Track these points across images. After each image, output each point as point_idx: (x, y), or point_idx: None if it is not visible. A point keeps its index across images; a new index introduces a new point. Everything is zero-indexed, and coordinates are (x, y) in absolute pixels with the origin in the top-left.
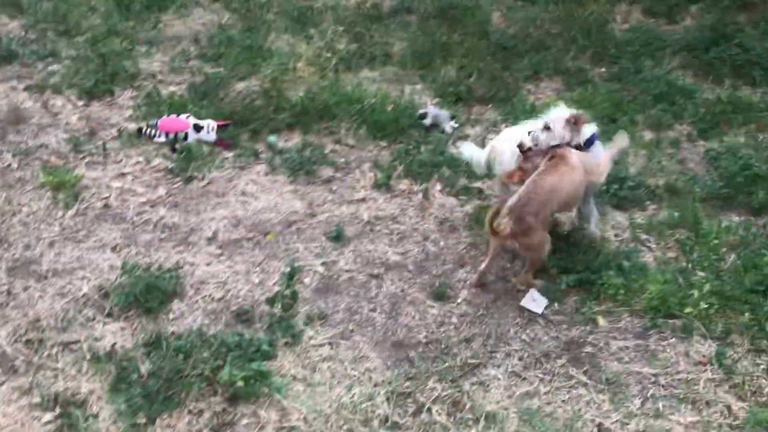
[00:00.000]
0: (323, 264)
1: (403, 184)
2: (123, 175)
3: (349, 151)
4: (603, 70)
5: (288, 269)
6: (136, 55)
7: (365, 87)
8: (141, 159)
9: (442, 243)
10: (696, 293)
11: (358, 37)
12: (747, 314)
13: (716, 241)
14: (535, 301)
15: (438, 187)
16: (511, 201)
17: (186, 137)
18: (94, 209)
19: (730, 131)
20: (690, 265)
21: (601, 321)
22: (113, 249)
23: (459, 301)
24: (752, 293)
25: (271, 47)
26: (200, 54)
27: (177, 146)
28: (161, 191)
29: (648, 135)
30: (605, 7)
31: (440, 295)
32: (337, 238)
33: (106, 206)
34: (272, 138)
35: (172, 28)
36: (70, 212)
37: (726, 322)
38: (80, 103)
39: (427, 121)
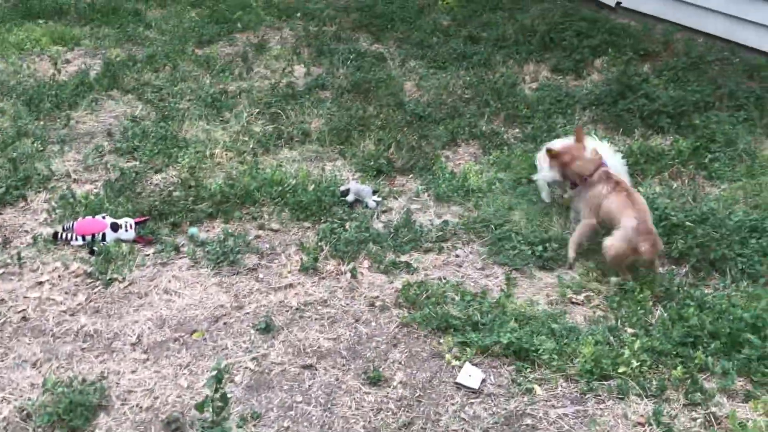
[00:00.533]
0: (253, 359)
1: (331, 265)
2: (40, 284)
3: (273, 236)
4: (517, 130)
5: (215, 372)
6: (48, 155)
7: (285, 168)
8: (58, 265)
9: (373, 323)
10: (627, 352)
11: (275, 117)
12: (679, 368)
13: (642, 295)
14: (471, 376)
15: (366, 264)
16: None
17: (104, 237)
18: (12, 324)
19: (645, 181)
20: (619, 323)
21: (538, 390)
22: (33, 365)
23: (395, 384)
24: (682, 346)
25: (187, 136)
26: (114, 149)
27: (95, 248)
28: (81, 297)
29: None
30: (514, 68)
31: (375, 380)
32: (266, 329)
33: (24, 319)
34: (193, 230)
35: (84, 124)
36: None
37: (660, 378)
38: None
39: (350, 198)
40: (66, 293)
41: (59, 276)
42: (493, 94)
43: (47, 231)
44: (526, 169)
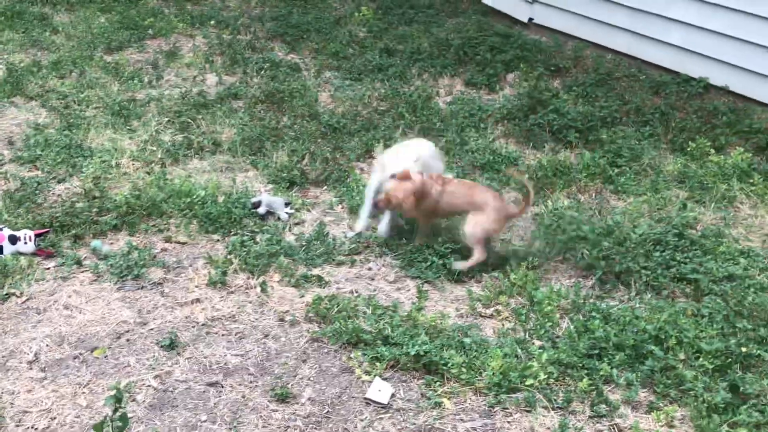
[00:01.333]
0: (156, 377)
1: (240, 279)
2: None
3: (180, 249)
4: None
5: (114, 391)
6: None
7: (195, 179)
8: None
9: (283, 339)
10: (535, 364)
11: (185, 127)
12: (585, 380)
13: (549, 308)
14: (380, 391)
15: (276, 278)
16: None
17: (1, 250)
18: None
19: (553, 194)
20: (527, 335)
21: (448, 403)
22: None
23: (303, 400)
24: (588, 358)
25: (92, 145)
26: (15, 157)
27: None
28: None
29: None
30: (429, 81)
31: (284, 397)
32: (171, 345)
33: None
34: (96, 243)
35: None
36: None
37: (566, 390)
38: None
39: (262, 210)
40: None
41: None
42: (408, 106)
43: None
44: None
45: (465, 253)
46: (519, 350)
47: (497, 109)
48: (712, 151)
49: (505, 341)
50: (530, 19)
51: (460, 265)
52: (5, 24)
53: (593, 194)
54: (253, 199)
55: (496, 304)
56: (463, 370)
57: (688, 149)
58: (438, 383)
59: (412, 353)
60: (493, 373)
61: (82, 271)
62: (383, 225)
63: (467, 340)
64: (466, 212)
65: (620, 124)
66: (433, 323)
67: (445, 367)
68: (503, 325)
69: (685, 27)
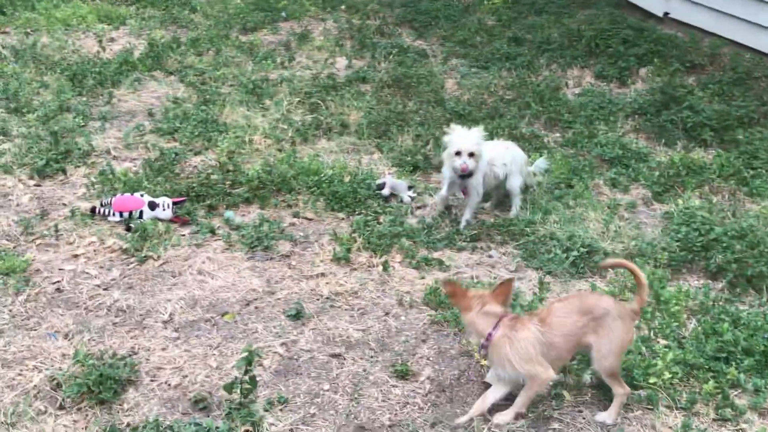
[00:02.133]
0: (283, 344)
1: (363, 257)
2: (76, 257)
3: (307, 225)
4: (558, 135)
5: (246, 354)
6: (89, 131)
7: (322, 158)
8: (94, 239)
9: (403, 318)
10: (660, 363)
11: (314, 107)
12: (711, 382)
13: (677, 308)
14: None
15: (398, 258)
16: None
17: (141, 215)
18: (46, 294)
19: (685, 194)
20: (652, 333)
21: (567, 395)
22: (65, 336)
23: (422, 379)
24: (715, 360)
25: (227, 120)
26: (155, 128)
27: (132, 225)
28: (115, 273)
29: (604, 199)
30: (557, 72)
31: (404, 374)
32: (297, 316)
33: (59, 290)
34: (229, 213)
35: (126, 102)
36: (21, 298)
37: (690, 391)
38: (31, 182)
39: (386, 192)
40: (101, 268)
41: (95, 250)
42: (535, 96)
43: (85, 205)
44: (565, 174)
45: (589, 252)
46: (643, 348)
47: (628, 103)
48: None
49: None
50: (665, 14)
51: (600, 417)
52: (147, 1)
53: (726, 196)
54: (378, 181)
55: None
56: (584, 364)
57: None
58: (559, 375)
59: None
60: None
61: (215, 240)
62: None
63: None
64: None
65: (758, 125)
66: None
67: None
68: None
69: None
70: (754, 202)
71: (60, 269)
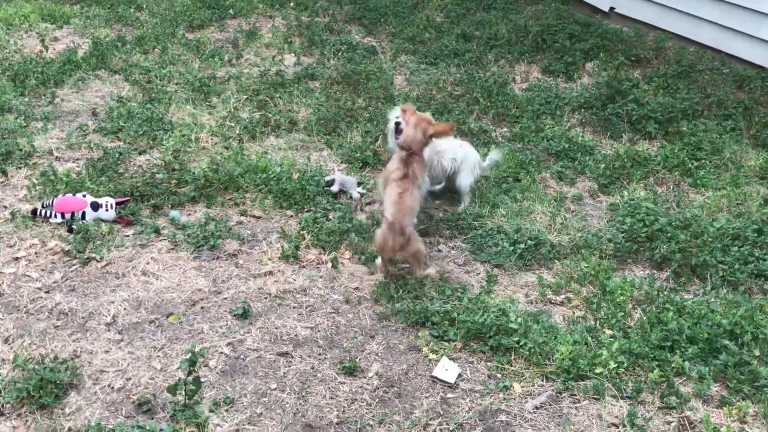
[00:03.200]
0: (229, 344)
1: (312, 254)
2: (17, 259)
3: (255, 223)
4: (505, 129)
5: (189, 354)
6: (31, 132)
7: (271, 156)
8: (36, 242)
9: (351, 315)
10: (605, 352)
11: (262, 105)
12: (656, 371)
13: (622, 298)
14: (447, 370)
15: (347, 255)
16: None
17: (84, 216)
18: None
19: (630, 186)
20: (598, 323)
21: (516, 387)
22: (5, 341)
23: (371, 375)
24: (659, 349)
25: (173, 119)
26: (99, 128)
27: (74, 227)
28: (57, 275)
29: (551, 192)
30: (505, 68)
31: (352, 370)
32: (244, 315)
33: None
34: (174, 213)
35: (69, 102)
36: None
37: (636, 380)
38: None
39: (335, 188)
40: (42, 270)
41: (36, 253)
42: (484, 92)
43: (26, 207)
44: (512, 167)
45: (536, 244)
46: (589, 338)
47: (574, 97)
48: None
49: (575, 328)
50: (611, 9)
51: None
52: (92, 0)
53: (671, 186)
54: (327, 178)
55: (567, 292)
56: (533, 354)
57: None
58: (505, 366)
59: (481, 321)
60: (563, 359)
61: (160, 240)
62: None
63: (536, 326)
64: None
65: (701, 117)
66: (503, 307)
67: (514, 351)
68: (573, 312)
69: None
70: (698, 192)
71: (0, 273)
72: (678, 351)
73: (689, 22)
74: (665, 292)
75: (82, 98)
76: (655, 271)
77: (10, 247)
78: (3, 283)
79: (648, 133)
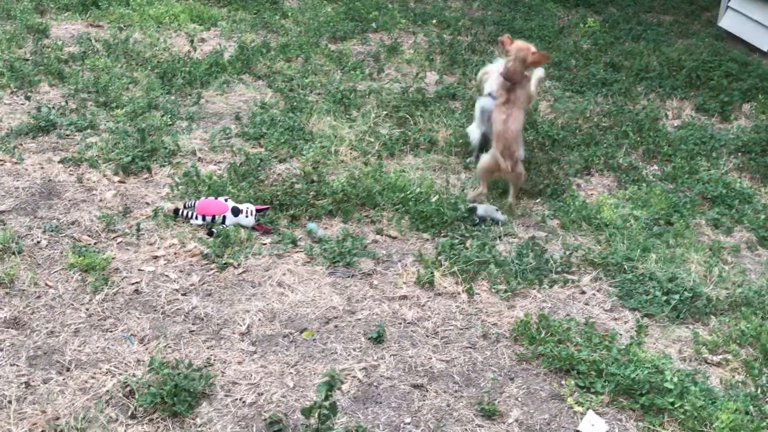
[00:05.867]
0: (363, 369)
1: (447, 282)
2: (156, 258)
3: (390, 243)
4: (656, 167)
5: (327, 378)
6: (176, 131)
7: (409, 175)
8: (176, 242)
9: (488, 352)
10: None
11: (402, 122)
12: None
13: None
14: (593, 426)
15: (485, 286)
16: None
17: (224, 220)
18: (124, 295)
19: None
20: (760, 391)
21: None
22: (141, 340)
23: (510, 421)
24: None
25: (313, 129)
26: (241, 132)
27: (214, 230)
28: (195, 278)
29: (705, 240)
30: (656, 102)
31: (490, 413)
32: (378, 339)
33: (137, 292)
34: (312, 225)
35: (213, 104)
36: (99, 297)
37: None
38: (116, 178)
39: (480, 212)
40: (180, 271)
41: (175, 253)
42: (633, 125)
43: (168, 206)
44: (665, 209)
45: (691, 296)
46: (751, 407)
47: (731, 139)
48: None
49: (736, 394)
50: None
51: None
52: (239, 4)
53: None
54: (470, 205)
55: (724, 352)
56: (690, 418)
57: None
58: (659, 427)
59: (632, 376)
60: (723, 427)
61: (297, 251)
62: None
63: (692, 387)
64: None
65: None
66: (656, 362)
67: (668, 412)
68: (733, 376)
69: None
70: None
71: (139, 270)
72: None
73: None
74: None
75: (226, 101)
76: None
77: (151, 244)
78: (142, 281)
79: None
